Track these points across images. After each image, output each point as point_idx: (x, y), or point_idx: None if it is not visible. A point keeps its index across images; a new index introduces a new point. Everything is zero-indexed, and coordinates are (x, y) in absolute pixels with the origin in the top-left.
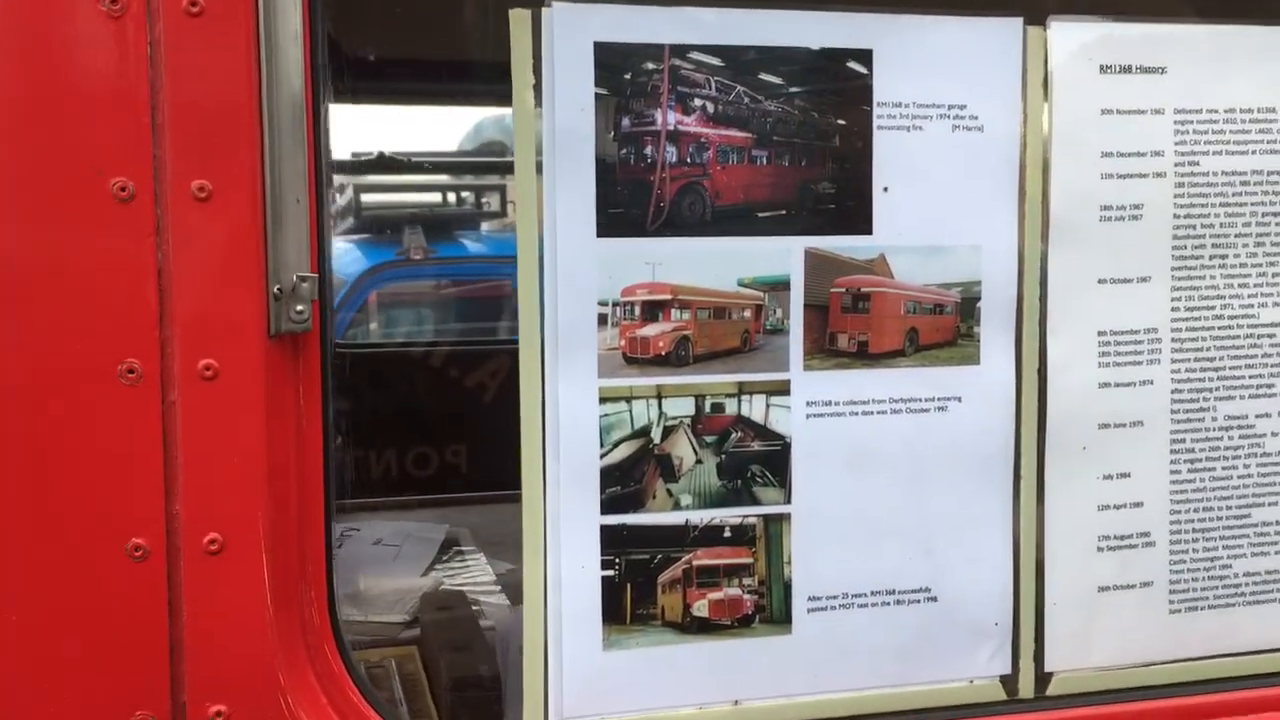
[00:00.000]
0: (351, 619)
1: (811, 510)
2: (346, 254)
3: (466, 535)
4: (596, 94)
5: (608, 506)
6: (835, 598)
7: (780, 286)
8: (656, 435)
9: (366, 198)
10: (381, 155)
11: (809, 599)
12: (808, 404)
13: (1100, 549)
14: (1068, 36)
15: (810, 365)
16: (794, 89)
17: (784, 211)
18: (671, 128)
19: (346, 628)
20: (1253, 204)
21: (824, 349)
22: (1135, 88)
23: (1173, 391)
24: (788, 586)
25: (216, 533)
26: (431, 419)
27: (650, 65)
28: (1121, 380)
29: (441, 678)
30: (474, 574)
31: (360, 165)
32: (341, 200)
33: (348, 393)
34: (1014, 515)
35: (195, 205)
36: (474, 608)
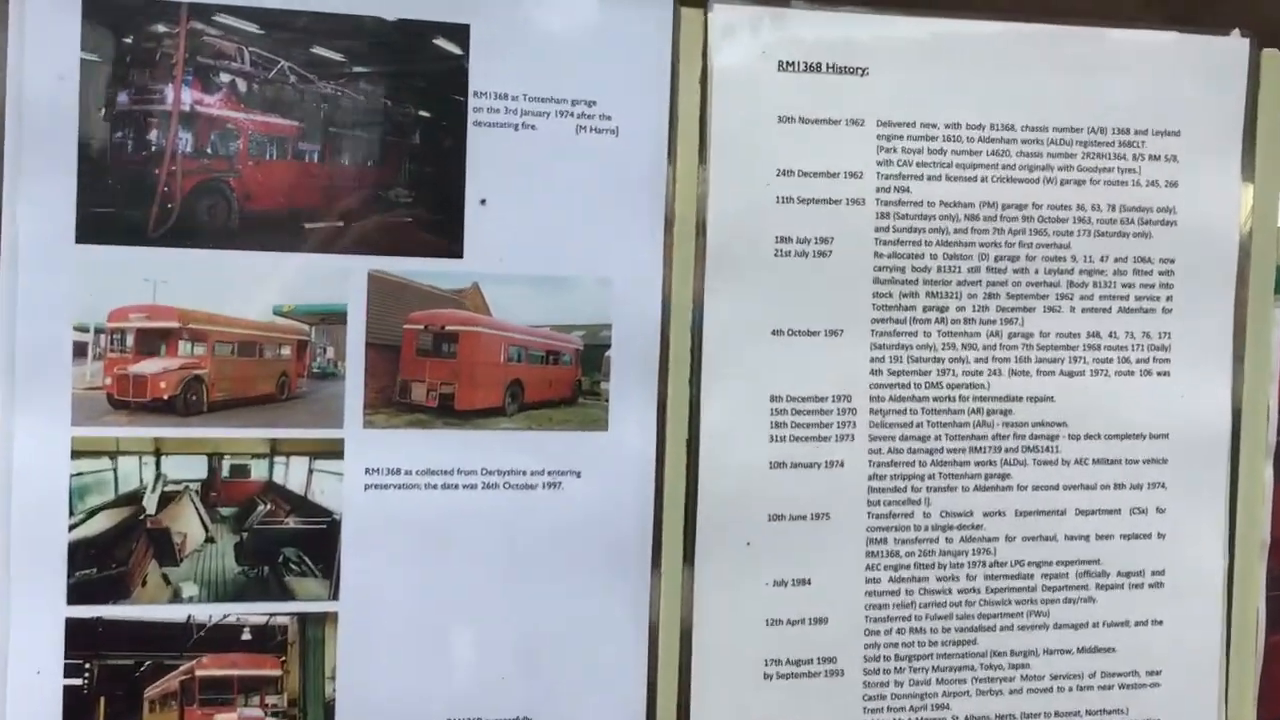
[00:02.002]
0: None
1: (366, 610)
2: None
3: None
4: (83, 60)
5: (77, 594)
6: None
7: (334, 319)
8: (151, 504)
9: None
10: None
11: None
12: (367, 471)
13: (768, 676)
14: (735, 23)
15: (373, 422)
16: (361, 69)
17: (341, 223)
18: (187, 108)
19: None
20: (982, 244)
21: (393, 402)
22: (825, 92)
23: (871, 477)
24: (330, 708)
25: None
26: None
27: (161, 28)
28: (801, 460)
29: None
30: None
31: None
32: None
33: None
34: (651, 627)
35: None
36: None
